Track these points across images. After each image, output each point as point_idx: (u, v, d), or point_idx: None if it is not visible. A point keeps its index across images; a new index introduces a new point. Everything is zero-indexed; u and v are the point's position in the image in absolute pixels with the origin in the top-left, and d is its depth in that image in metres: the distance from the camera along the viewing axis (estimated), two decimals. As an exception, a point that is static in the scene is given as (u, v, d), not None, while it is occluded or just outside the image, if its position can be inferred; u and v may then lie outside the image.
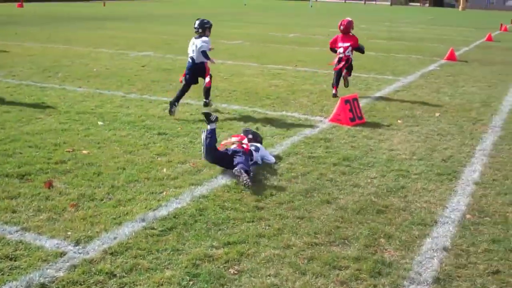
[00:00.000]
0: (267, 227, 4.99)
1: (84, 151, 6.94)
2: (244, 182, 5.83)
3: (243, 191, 5.80)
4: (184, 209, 5.30)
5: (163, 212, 5.22)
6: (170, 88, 11.38)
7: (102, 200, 5.47)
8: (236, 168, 6.04)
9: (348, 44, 11.23)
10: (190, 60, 9.29)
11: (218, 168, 6.46)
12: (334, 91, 11.15)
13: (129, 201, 5.47)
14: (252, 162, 6.51)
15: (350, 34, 11.44)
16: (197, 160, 6.74)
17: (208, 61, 9.21)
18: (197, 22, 9.36)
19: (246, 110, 9.64)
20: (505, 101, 11.48)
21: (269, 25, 33.35)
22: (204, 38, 9.20)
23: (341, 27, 11.39)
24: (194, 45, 9.21)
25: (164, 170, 6.37)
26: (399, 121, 9.30)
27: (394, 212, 5.47)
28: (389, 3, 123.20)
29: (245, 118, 9.01)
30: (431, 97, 11.59)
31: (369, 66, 15.95)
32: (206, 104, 9.65)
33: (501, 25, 40.68)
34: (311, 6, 74.42)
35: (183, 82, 9.28)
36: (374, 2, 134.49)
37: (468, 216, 5.47)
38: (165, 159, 6.78)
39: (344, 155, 7.25)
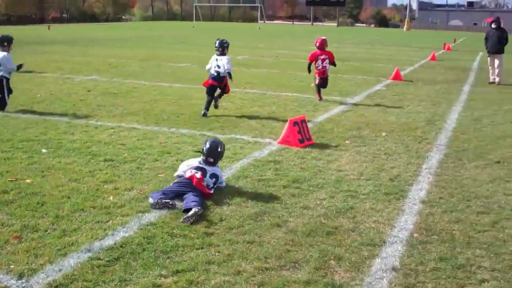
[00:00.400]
0: (217, 254, 4.92)
1: (28, 180, 6.74)
2: (187, 218, 5.65)
3: (192, 217, 5.72)
4: (132, 237, 5.18)
5: (109, 241, 5.08)
6: (117, 112, 11.22)
7: (46, 230, 5.30)
8: (193, 210, 5.75)
9: (325, 56, 13.55)
10: (215, 74, 11.14)
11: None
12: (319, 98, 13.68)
13: (74, 231, 5.31)
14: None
15: (326, 50, 13.70)
16: (145, 186, 6.63)
17: (229, 79, 11.18)
18: (218, 42, 11.27)
19: (195, 134, 9.56)
20: (449, 119, 11.75)
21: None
22: (228, 58, 11.16)
23: (317, 44, 13.79)
24: (219, 61, 11.12)
25: (111, 198, 6.23)
26: (346, 141, 9.40)
27: (343, 233, 5.48)
28: (335, 24, 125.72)
29: (194, 142, 8.94)
30: (378, 117, 11.78)
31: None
32: (215, 105, 11.33)
33: (445, 44, 41.97)
34: (259, 28, 75.17)
35: (207, 89, 11.27)
36: (321, 24, 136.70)
37: (415, 235, 5.52)
38: (111, 186, 6.64)
39: (294, 177, 7.25)
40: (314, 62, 13.59)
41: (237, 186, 6.82)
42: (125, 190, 6.52)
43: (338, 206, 6.25)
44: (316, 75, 13.61)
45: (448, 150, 9.01)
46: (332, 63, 13.70)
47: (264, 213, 5.94)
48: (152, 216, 5.73)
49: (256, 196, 6.44)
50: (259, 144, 9.05)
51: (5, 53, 11.04)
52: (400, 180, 7.31)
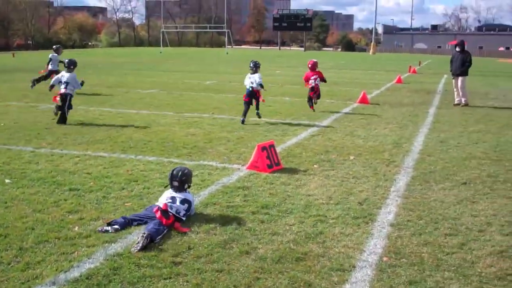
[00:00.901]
0: (185, 283, 4.84)
1: (-10, 212, 6.57)
2: (135, 246, 5.58)
3: (159, 247, 5.62)
4: (97, 269, 5.06)
5: (75, 273, 4.95)
6: (83, 140, 11.05)
7: (9, 264, 5.15)
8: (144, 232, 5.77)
9: (316, 76, 16.37)
10: (250, 88, 13.79)
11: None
12: (312, 109, 16.41)
13: (38, 263, 5.17)
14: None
15: (316, 70, 16.61)
16: (111, 216, 6.51)
17: (262, 89, 13.94)
18: (252, 63, 14.12)
19: (162, 161, 9.46)
20: (416, 141, 11.86)
21: (185, 73, 33.46)
22: (259, 75, 13.98)
23: (309, 66, 16.71)
24: (252, 78, 13.88)
25: (76, 228, 6.10)
26: (315, 165, 9.40)
27: (313, 259, 5.44)
28: (303, 49, 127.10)
29: (161, 169, 8.84)
30: (346, 140, 11.84)
31: (285, 111, 16.20)
32: (258, 115, 14.07)
33: (410, 67, 42.66)
34: (227, 53, 75.58)
35: (245, 102, 13.95)
36: (289, 48, 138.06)
37: (385, 258, 5.51)
38: (76, 216, 6.50)
39: (263, 202, 7.21)
40: (305, 79, 16.64)
41: (205, 213, 6.75)
42: (90, 220, 6.39)
43: (307, 231, 6.22)
44: (308, 89, 16.49)
45: (416, 173, 9.08)
46: (322, 79, 16.69)
47: (233, 240, 5.87)
48: (119, 246, 5.62)
49: (224, 223, 6.37)
50: (228, 170, 9.00)
51: (73, 74, 13.73)
52: (369, 204, 7.32)
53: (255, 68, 14.02)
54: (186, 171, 6.76)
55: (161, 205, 6.34)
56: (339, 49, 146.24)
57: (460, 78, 19.31)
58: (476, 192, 7.98)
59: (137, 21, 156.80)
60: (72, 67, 13.76)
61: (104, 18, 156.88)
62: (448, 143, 11.74)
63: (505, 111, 17.75)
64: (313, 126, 13.73)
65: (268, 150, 9.01)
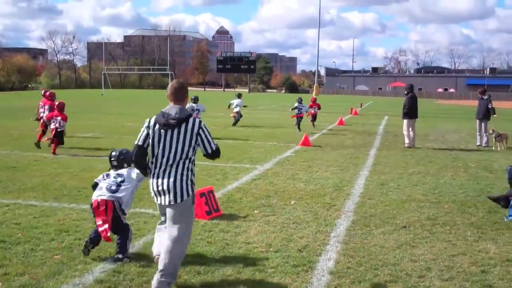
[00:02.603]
0: None
1: None
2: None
3: (87, 303, 5.30)
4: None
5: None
6: (14, 188, 10.53)
7: None
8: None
9: (315, 106, 26.45)
10: (298, 111, 24.78)
11: (60, 279, 5.91)
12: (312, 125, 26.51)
13: (-47, 326, 4.77)
14: None
15: (316, 102, 26.64)
16: (38, 270, 6.12)
17: (305, 113, 25.31)
18: (299, 98, 25.53)
19: (97, 209, 9.08)
20: (356, 184, 11.86)
21: (126, 116, 33.06)
22: (303, 105, 25.26)
23: (312, 99, 26.83)
24: (301, 106, 25.02)
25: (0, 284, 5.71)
26: (255, 211, 9.23)
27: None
28: (247, 90, 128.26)
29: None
30: (287, 184, 11.74)
31: (227, 154, 15.98)
32: (299, 129, 24.36)
33: (352, 109, 43.45)
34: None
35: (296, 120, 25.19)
36: (233, 90, 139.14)
37: (324, 310, 5.35)
38: (1, 271, 6.06)
39: (200, 252, 6.96)
40: (309, 107, 26.15)
41: (139, 265, 6.45)
42: (16, 275, 5.99)
43: (245, 282, 6.00)
44: (309, 115, 26.24)
45: (356, 217, 9.01)
46: (319, 108, 26.75)
47: (166, 294, 5.59)
48: (44, 304, 5.27)
49: (159, 276, 6.08)
50: (165, 217, 8.70)
51: (202, 104, 21.49)
52: (309, 251, 7.17)
53: (301, 101, 25.39)
54: (124, 151, 7.04)
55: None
56: (283, 91, 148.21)
57: (406, 121, 19.57)
58: (416, 236, 7.95)
59: (78, 63, 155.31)
60: (197, 100, 21.08)
61: (45, 60, 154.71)
62: (388, 185, 11.78)
63: (444, 152, 18.09)
64: (254, 169, 13.60)
65: (206, 196, 8.80)
